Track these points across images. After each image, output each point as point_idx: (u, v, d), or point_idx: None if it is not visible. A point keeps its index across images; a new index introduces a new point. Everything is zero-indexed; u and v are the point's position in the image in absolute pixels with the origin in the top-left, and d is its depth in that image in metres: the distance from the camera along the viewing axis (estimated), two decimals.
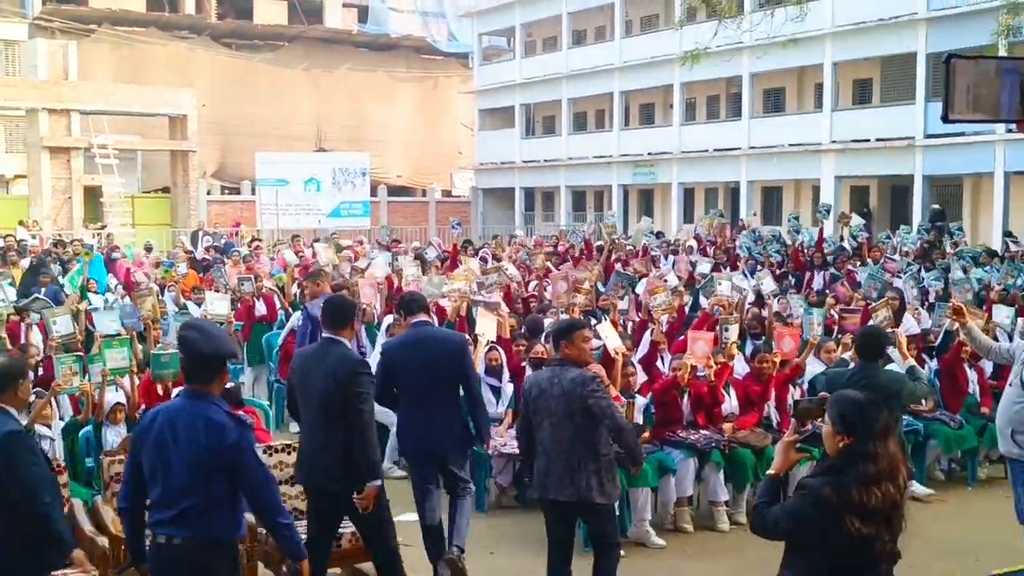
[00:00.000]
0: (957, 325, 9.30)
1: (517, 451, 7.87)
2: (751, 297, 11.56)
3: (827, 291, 12.45)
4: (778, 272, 14.30)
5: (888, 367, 7.03)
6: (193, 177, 31.63)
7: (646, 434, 7.68)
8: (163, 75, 34.20)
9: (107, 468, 6.23)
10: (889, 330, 8.02)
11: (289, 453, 6.50)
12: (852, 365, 6.60)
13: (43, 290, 12.20)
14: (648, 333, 9.61)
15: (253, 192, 31.84)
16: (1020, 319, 10.16)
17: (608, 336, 8.24)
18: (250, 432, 4.34)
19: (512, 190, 37.70)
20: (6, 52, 34.09)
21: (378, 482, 5.46)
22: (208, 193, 33.91)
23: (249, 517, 4.70)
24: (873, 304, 10.07)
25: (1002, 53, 14.54)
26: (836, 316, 10.35)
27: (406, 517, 6.58)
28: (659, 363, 8.93)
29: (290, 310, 11.89)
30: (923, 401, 8.39)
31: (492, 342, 8.73)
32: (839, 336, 9.30)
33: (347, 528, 5.90)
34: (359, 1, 42.92)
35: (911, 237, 16.92)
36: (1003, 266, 14.23)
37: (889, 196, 28.16)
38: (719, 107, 32.44)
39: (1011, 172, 22.95)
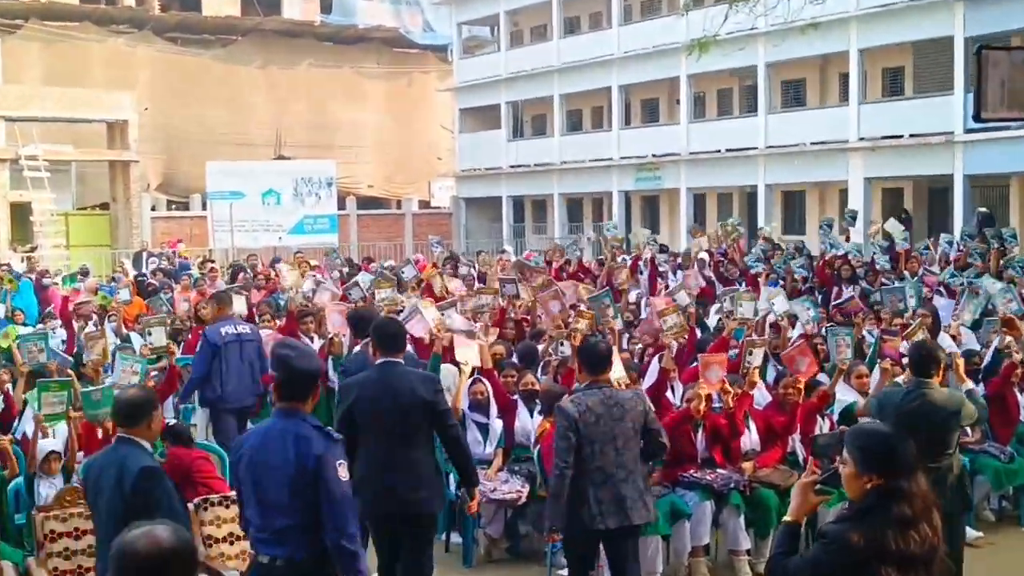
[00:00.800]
0: (1008, 340, 9.33)
1: (508, 497, 7.91)
2: (772, 317, 11.59)
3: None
4: (802, 288, 14.32)
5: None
6: (135, 191, 31.63)
7: (655, 475, 7.68)
8: (100, 76, 34.21)
9: (40, 525, 6.18)
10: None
11: (227, 507, 6.45)
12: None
13: None
14: (656, 360, 9.60)
15: (204, 207, 31.79)
16: None
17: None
18: (337, 447, 4.82)
19: (499, 199, 37.79)
20: None
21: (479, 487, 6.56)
22: (153, 209, 33.88)
23: None
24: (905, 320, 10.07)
25: None
26: (866, 336, 10.37)
27: None
28: (669, 393, 8.93)
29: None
30: (968, 431, 8.39)
31: (477, 368, 8.70)
32: (878, 360, 9.21)
33: None
34: None
35: (954, 247, 16.69)
36: None
37: (926, 199, 28.31)
38: (731, 102, 32.62)
39: None
